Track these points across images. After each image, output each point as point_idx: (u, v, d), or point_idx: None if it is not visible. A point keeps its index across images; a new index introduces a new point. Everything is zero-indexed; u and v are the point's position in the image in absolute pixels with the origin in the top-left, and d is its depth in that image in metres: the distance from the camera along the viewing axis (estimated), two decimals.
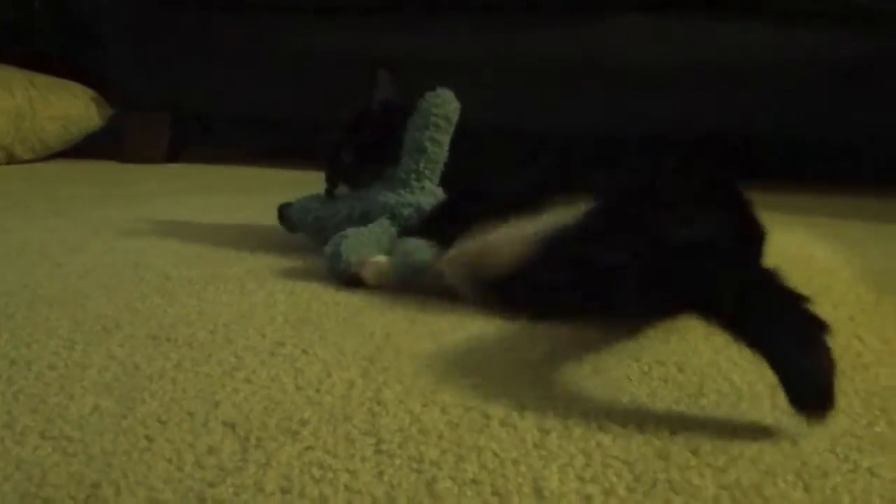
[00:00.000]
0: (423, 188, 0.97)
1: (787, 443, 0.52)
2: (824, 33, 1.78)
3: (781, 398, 0.52)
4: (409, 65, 1.23)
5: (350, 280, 0.88)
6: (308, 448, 0.50)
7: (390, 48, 1.89)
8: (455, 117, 0.98)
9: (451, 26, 2.02)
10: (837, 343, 0.54)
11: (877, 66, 1.76)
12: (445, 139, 0.97)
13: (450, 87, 0.99)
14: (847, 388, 0.60)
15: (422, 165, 0.97)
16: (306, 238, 1.08)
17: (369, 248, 0.90)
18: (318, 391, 0.59)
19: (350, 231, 0.92)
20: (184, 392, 0.59)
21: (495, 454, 0.50)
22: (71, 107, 2.30)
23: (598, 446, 0.51)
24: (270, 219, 1.13)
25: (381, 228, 0.94)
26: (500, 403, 0.57)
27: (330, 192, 1.06)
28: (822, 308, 0.57)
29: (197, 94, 2.26)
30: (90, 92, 2.39)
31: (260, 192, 1.73)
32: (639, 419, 0.55)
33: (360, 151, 1.03)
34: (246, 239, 1.15)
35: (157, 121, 2.32)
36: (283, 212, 1.09)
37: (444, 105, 0.97)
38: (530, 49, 1.98)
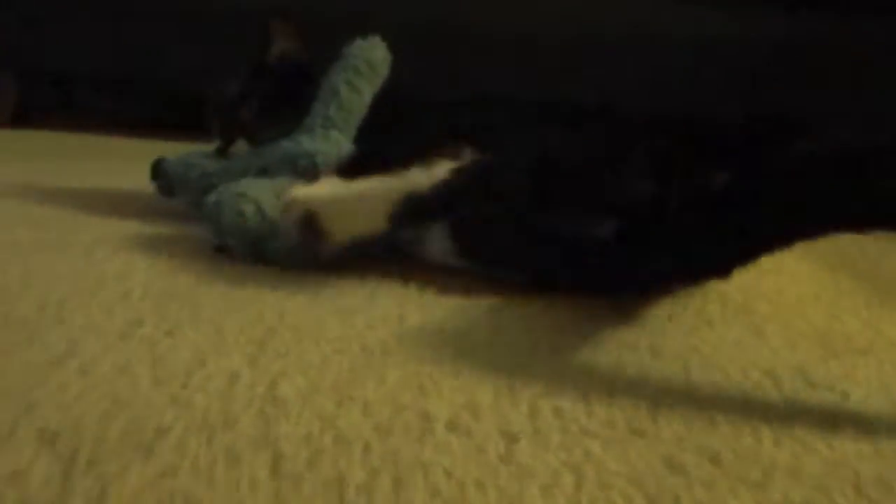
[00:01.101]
0: (327, 137, 0.82)
1: (824, 445, 0.39)
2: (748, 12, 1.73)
3: (798, 383, 0.40)
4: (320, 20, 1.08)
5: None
6: (165, 473, 0.33)
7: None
8: (382, 68, 0.86)
9: None
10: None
11: (800, 46, 1.73)
12: (366, 87, 0.85)
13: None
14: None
15: (332, 111, 0.83)
16: (183, 203, 0.88)
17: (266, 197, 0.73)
18: (185, 387, 0.42)
19: (241, 182, 0.75)
20: None
21: (447, 473, 0.35)
22: None
23: (588, 457, 0.37)
24: (137, 184, 0.93)
25: (277, 183, 0.77)
26: (442, 400, 0.42)
27: (223, 150, 0.91)
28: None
29: (50, 52, 1.96)
30: None
31: (125, 160, 1.49)
32: (631, 418, 0.41)
33: (263, 106, 0.92)
34: (102, 204, 0.94)
35: None
36: (159, 167, 0.90)
37: (370, 51, 0.86)
38: (450, 13, 1.82)
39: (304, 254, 0.67)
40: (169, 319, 0.53)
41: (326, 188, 0.68)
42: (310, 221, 0.64)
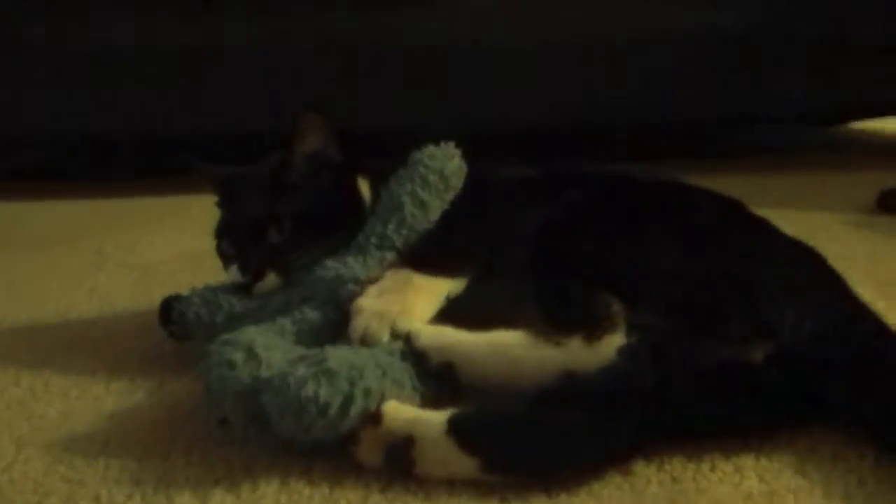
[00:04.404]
0: (382, 259, 0.70)
1: None
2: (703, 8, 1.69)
3: None
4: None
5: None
6: None
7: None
8: (456, 179, 0.76)
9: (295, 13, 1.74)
10: None
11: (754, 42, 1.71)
12: (434, 202, 0.73)
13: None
14: None
15: (391, 228, 0.72)
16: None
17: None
18: None
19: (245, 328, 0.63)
20: None
21: None
22: None
23: None
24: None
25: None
26: None
27: (248, 288, 0.75)
28: None
29: None
30: None
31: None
32: None
33: (297, 226, 0.75)
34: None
35: None
36: (173, 308, 0.76)
37: (442, 159, 0.75)
38: (372, 35, 1.71)
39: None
40: None
41: (451, 332, 0.62)
42: (445, 373, 0.59)
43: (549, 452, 0.54)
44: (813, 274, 0.67)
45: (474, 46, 1.70)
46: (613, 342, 0.57)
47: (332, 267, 0.70)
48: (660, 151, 1.79)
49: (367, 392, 0.55)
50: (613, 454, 0.55)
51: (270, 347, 0.60)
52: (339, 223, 0.76)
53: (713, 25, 1.68)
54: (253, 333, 0.61)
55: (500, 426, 0.54)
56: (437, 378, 0.60)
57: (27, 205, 1.73)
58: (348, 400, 0.54)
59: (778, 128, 2.25)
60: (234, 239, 0.78)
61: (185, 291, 0.77)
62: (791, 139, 2.21)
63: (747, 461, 0.55)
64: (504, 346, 0.60)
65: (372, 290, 0.67)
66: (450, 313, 0.66)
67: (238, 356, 0.58)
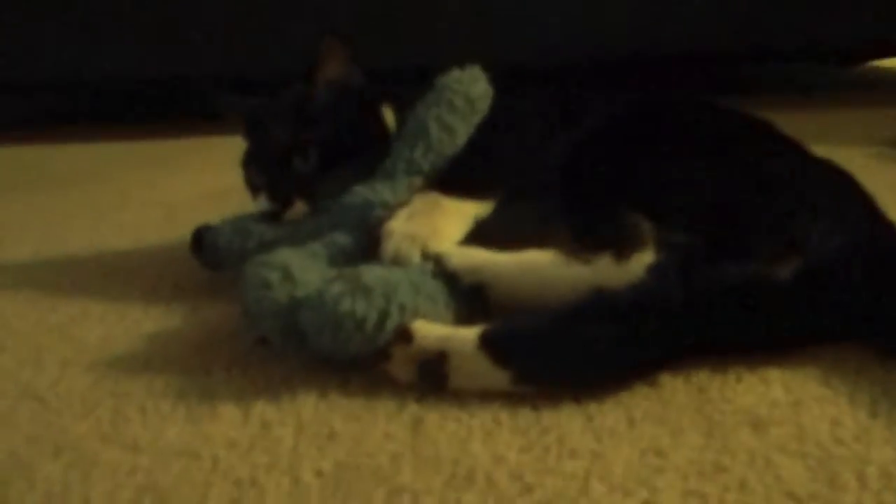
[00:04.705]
0: (411, 185, 0.71)
1: None
2: None
3: None
4: None
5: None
6: None
7: None
8: (481, 104, 0.75)
9: None
10: None
11: None
12: (461, 126, 0.73)
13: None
14: None
15: (418, 153, 0.72)
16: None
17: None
18: None
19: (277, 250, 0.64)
20: None
21: None
22: None
23: None
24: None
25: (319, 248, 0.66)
26: None
27: (278, 216, 0.76)
28: None
29: None
30: None
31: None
32: None
33: (322, 154, 0.76)
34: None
35: None
36: (204, 237, 0.77)
37: (468, 83, 0.75)
38: None
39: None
40: None
41: (481, 253, 0.63)
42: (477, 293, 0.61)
43: (579, 364, 0.55)
44: (841, 191, 0.67)
45: None
46: (643, 260, 0.58)
47: (360, 192, 0.70)
48: (685, 84, 1.78)
49: (402, 307, 0.56)
50: (641, 367, 0.56)
51: (305, 269, 0.61)
52: (365, 150, 0.76)
53: None
54: (288, 255, 0.62)
55: (532, 339, 0.55)
56: (469, 296, 0.62)
57: (50, 147, 1.74)
58: (384, 315, 0.55)
59: (802, 66, 2.21)
60: (260, 168, 0.79)
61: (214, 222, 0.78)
62: (814, 78, 2.18)
63: (773, 373, 0.56)
64: (534, 264, 0.61)
65: (401, 213, 0.68)
66: (480, 234, 0.67)
67: (274, 276, 0.59)
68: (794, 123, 0.77)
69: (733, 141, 0.71)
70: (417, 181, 0.71)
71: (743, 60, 1.99)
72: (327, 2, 1.69)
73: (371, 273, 0.58)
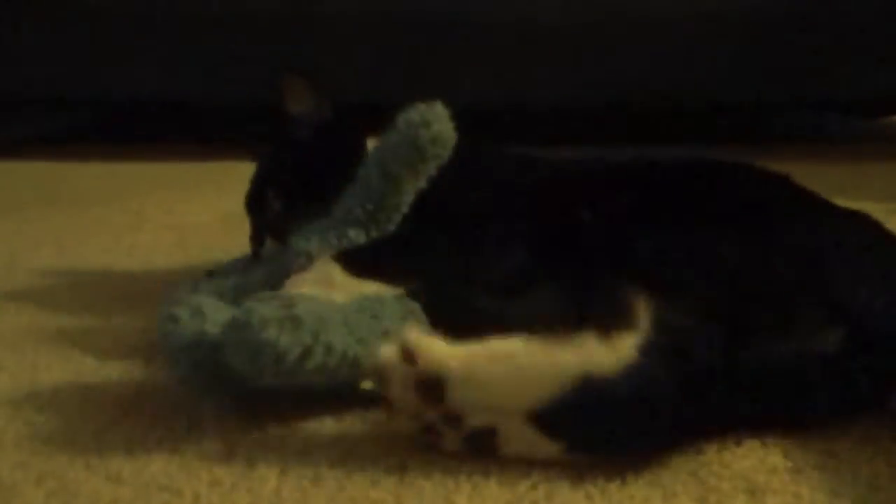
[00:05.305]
0: (342, 235, 0.66)
1: None
2: None
3: None
4: None
5: None
6: None
7: None
8: (437, 148, 0.65)
9: None
10: None
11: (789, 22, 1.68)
12: (405, 174, 0.66)
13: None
14: None
15: (355, 202, 0.67)
16: None
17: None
18: None
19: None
20: None
21: None
22: None
23: None
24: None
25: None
26: None
27: (256, 254, 0.77)
28: None
29: None
30: None
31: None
32: None
33: (291, 194, 0.75)
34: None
35: None
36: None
37: (430, 122, 0.65)
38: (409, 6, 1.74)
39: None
40: None
41: (456, 348, 0.50)
42: (431, 388, 0.50)
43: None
44: (878, 247, 0.61)
45: (496, 21, 1.69)
46: (629, 340, 0.50)
47: (295, 240, 0.68)
48: (701, 134, 1.77)
49: (329, 347, 0.52)
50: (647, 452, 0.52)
51: (219, 308, 0.59)
52: (336, 188, 0.71)
53: (766, 4, 1.66)
54: (203, 297, 0.62)
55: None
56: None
57: (71, 165, 1.77)
58: (307, 352, 0.51)
59: (823, 118, 2.20)
60: (247, 208, 0.81)
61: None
62: (836, 129, 2.17)
63: (773, 438, 0.55)
64: (506, 354, 0.50)
65: (298, 279, 0.63)
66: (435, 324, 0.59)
67: (183, 312, 0.57)
68: (814, 175, 0.75)
69: (757, 206, 0.65)
70: (353, 233, 0.67)
71: (766, 111, 1.99)
72: (351, 38, 1.71)
73: (305, 304, 0.54)
